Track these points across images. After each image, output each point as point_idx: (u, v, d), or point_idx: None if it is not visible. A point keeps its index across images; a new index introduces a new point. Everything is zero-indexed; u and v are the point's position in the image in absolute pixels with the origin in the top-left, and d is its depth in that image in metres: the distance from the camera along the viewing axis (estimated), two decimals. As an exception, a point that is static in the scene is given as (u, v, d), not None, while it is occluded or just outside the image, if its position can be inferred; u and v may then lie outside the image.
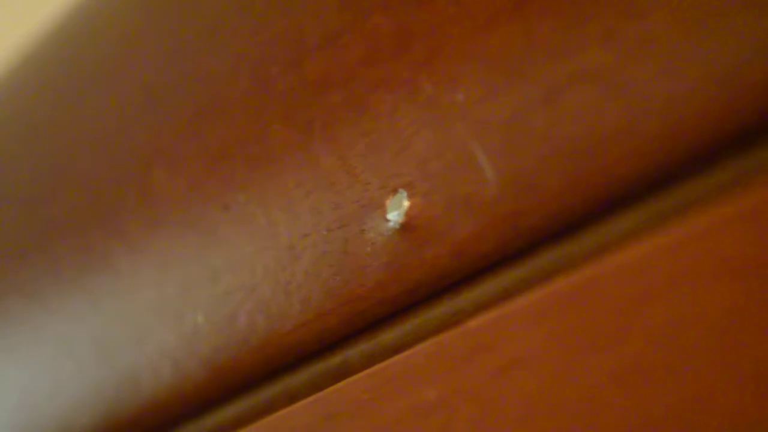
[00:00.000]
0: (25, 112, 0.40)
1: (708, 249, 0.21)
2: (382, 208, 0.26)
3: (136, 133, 0.34)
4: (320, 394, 0.27)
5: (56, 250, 0.36)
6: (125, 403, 0.32)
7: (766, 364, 0.20)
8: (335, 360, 0.27)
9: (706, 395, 0.21)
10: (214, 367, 0.30)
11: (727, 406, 0.21)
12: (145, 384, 0.32)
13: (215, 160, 0.30)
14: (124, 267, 0.33)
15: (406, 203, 0.25)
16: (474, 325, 0.24)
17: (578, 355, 0.23)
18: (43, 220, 0.37)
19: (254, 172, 0.29)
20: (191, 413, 0.31)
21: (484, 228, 0.24)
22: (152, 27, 0.35)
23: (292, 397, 0.28)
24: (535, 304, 0.23)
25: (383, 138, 0.26)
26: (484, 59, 0.24)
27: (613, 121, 0.22)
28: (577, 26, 0.23)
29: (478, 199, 0.24)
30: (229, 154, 0.30)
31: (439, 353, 0.25)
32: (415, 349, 0.25)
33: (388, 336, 0.26)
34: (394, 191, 0.26)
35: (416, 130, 0.25)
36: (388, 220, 0.26)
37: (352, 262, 0.26)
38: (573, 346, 0.23)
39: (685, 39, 0.22)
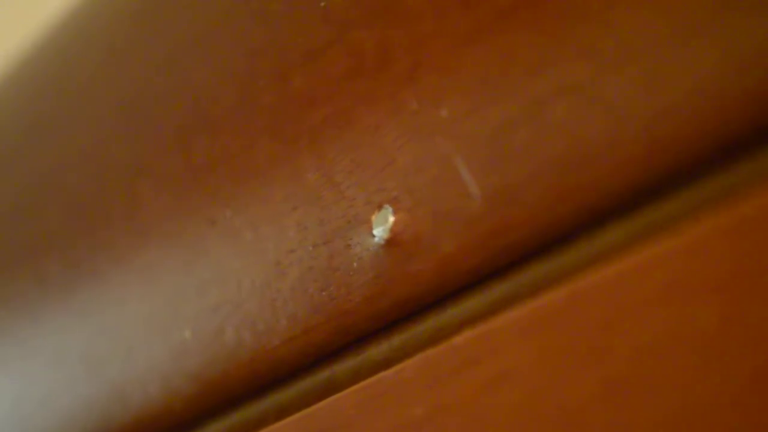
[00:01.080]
0: (10, 125, 0.40)
1: (696, 263, 0.21)
2: (367, 224, 0.26)
3: (122, 146, 0.34)
4: (308, 410, 0.27)
5: (44, 264, 0.36)
6: (114, 419, 0.32)
7: (754, 379, 0.20)
8: (323, 375, 0.27)
9: (694, 411, 0.21)
10: (201, 382, 0.30)
11: (715, 421, 0.21)
12: (133, 399, 0.32)
13: (201, 174, 0.30)
14: (112, 281, 0.33)
15: (391, 219, 0.25)
16: (460, 340, 0.24)
17: (565, 370, 0.23)
18: (30, 233, 0.37)
19: (240, 187, 0.29)
20: (180, 429, 0.31)
21: (469, 243, 0.24)
22: (139, 41, 0.35)
23: (280, 413, 0.28)
24: (522, 319, 0.23)
25: (368, 153, 0.26)
26: (467, 74, 0.24)
27: (598, 134, 0.22)
28: (559, 39, 0.23)
29: (463, 214, 0.24)
30: (215, 168, 0.30)
31: (425, 368, 0.25)
32: (402, 364, 0.25)
33: (375, 351, 0.26)
34: (379, 207, 0.26)
35: (401, 145, 0.25)
36: (373, 236, 0.26)
37: (338, 278, 0.26)
38: (560, 361, 0.23)
39: (668, 51, 0.21)
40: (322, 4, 0.27)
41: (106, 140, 0.34)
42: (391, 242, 0.25)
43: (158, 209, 0.31)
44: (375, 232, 0.26)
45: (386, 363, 0.26)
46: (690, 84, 0.21)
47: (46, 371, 0.35)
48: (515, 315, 0.23)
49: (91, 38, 0.37)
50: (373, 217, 0.26)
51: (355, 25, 0.26)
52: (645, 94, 0.22)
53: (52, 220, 0.36)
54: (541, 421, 0.23)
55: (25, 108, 0.40)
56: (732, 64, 0.21)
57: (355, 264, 0.26)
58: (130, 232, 0.32)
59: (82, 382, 0.34)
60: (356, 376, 0.26)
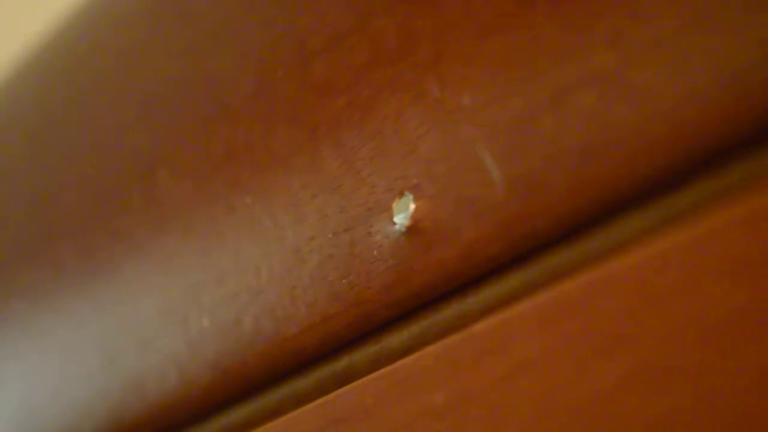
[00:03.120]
0: (28, 116, 0.40)
1: (717, 251, 0.21)
2: (388, 211, 0.26)
3: (140, 135, 0.34)
4: (326, 398, 0.27)
5: (61, 255, 0.36)
6: (131, 408, 0.32)
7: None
8: (341, 363, 0.27)
9: (715, 398, 0.21)
10: (220, 370, 0.30)
11: (737, 409, 0.21)
12: (151, 388, 0.32)
13: (220, 162, 0.30)
14: (129, 270, 0.33)
15: (412, 206, 0.25)
16: (481, 329, 0.24)
17: (586, 358, 0.23)
18: (47, 224, 0.37)
19: (260, 175, 0.29)
20: (197, 417, 0.31)
21: (490, 230, 0.24)
22: (157, 30, 0.35)
23: (298, 401, 0.28)
24: (542, 307, 0.23)
25: (389, 141, 0.26)
26: (490, 61, 0.24)
27: (620, 123, 0.22)
28: (583, 28, 0.23)
29: (485, 201, 0.24)
30: (234, 156, 0.30)
31: (445, 357, 0.25)
32: (422, 352, 0.25)
33: (395, 339, 0.26)
34: (401, 194, 0.26)
35: (422, 132, 0.25)
36: (394, 223, 0.26)
37: (359, 266, 0.26)
38: (580, 349, 0.23)
39: (692, 40, 0.21)
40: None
41: (125, 129, 0.34)
42: (412, 230, 0.25)
43: (177, 198, 0.31)
44: (396, 219, 0.26)
45: (406, 351, 0.26)
46: (714, 72, 0.21)
47: (63, 362, 0.35)
48: (536, 303, 0.23)
49: (110, 27, 0.37)
50: (394, 205, 0.26)
51: (377, 12, 0.26)
52: (668, 83, 0.22)
53: (70, 210, 0.36)
54: (561, 409, 0.23)
55: (43, 98, 0.40)
56: (755, 53, 0.21)
57: (375, 252, 0.26)
58: (148, 220, 0.32)
59: (99, 373, 0.34)
60: (375, 364, 0.26)
